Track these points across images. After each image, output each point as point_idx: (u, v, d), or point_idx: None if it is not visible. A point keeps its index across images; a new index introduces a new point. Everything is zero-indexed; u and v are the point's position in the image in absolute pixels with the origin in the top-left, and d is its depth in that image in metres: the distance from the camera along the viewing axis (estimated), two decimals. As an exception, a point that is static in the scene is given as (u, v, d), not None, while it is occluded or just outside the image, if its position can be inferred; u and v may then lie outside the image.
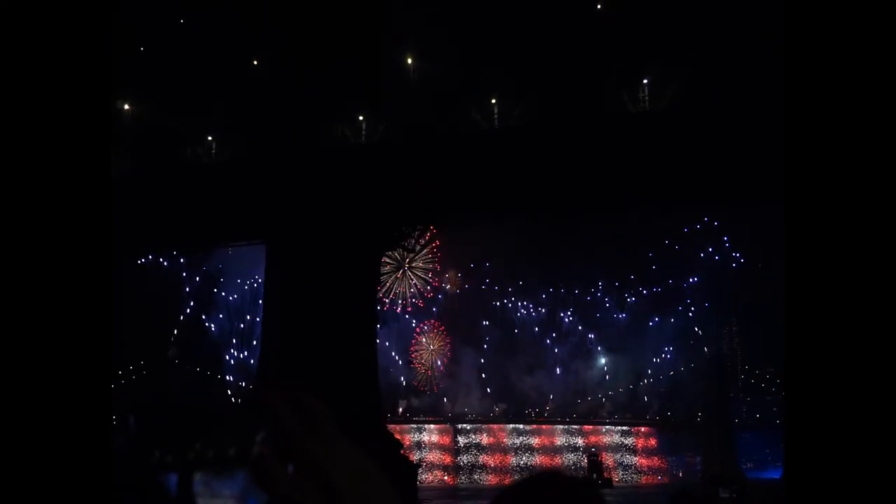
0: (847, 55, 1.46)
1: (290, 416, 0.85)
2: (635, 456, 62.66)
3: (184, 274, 66.66)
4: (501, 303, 71.26)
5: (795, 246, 1.47)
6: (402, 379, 67.32)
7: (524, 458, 61.51)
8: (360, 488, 0.85)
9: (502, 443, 62.21)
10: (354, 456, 0.87)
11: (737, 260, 67.11)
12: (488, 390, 66.87)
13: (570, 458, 60.89)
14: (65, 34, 1.89)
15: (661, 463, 62.35)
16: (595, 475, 52.96)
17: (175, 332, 66.10)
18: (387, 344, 64.67)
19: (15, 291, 1.89)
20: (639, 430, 63.44)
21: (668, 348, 66.32)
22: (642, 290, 69.48)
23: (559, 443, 62.48)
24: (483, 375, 67.47)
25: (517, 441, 62.38)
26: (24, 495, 1.78)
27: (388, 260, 65.68)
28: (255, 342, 58.47)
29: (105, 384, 1.92)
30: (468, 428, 62.79)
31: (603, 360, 68.45)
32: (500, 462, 61.57)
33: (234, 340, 66.74)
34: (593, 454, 57.99)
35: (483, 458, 62.00)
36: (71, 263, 1.97)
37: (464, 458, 61.91)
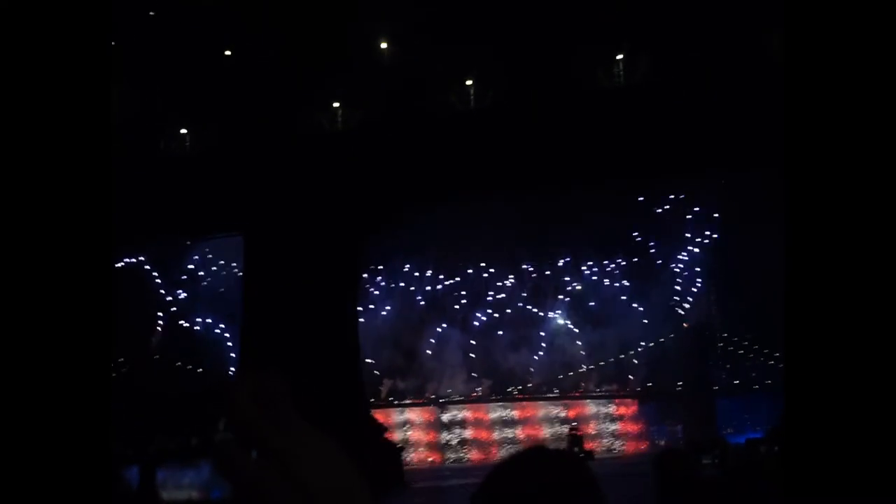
0: (846, 42, 1.48)
1: (247, 402, 0.84)
2: (617, 427, 63.40)
3: (164, 266, 65.98)
4: (482, 279, 71.39)
5: (796, 225, 1.50)
6: (386, 363, 67.31)
7: (508, 435, 62.01)
8: (322, 472, 0.84)
9: (486, 421, 62.65)
10: (316, 440, 0.86)
11: (713, 229, 67.80)
12: (473, 372, 67.10)
13: (552, 432, 61.44)
14: (64, 28, 1.88)
15: (643, 433, 63.15)
16: (576, 448, 53.51)
17: (156, 326, 65.54)
18: (371, 328, 64.66)
19: (14, 287, 1.89)
20: (620, 402, 64.15)
21: (648, 320, 66.94)
22: (621, 263, 70.03)
23: (541, 418, 63.00)
24: (467, 354, 67.65)
25: (501, 418, 62.83)
26: (20, 495, 1.78)
27: None
28: (237, 332, 58.07)
29: (104, 380, 1.92)
30: (452, 408, 63.08)
31: (583, 334, 68.97)
32: (484, 440, 62.05)
33: (219, 332, 66.27)
34: (574, 428, 58.56)
35: (467, 437, 62.44)
36: (70, 259, 1.96)
37: (448, 438, 62.29)
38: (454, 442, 62.14)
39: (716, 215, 67.30)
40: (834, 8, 1.48)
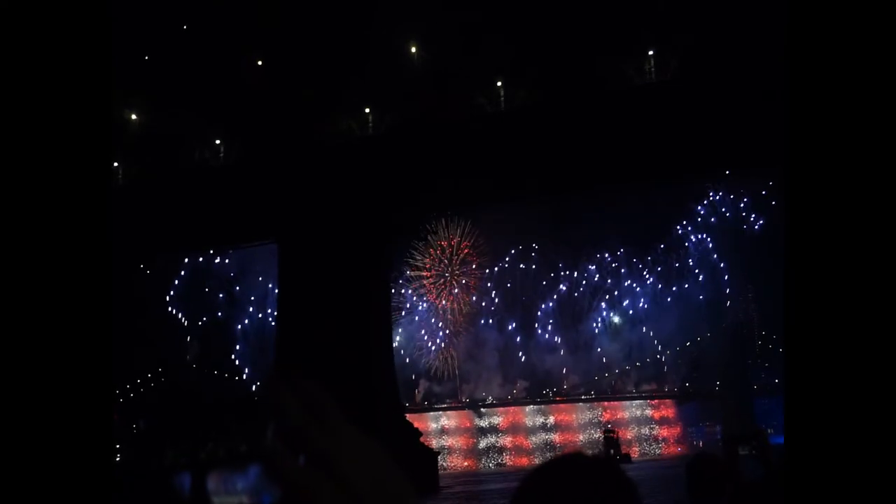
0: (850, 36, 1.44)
1: (296, 407, 0.86)
2: (654, 429, 62.77)
3: (200, 276, 66.92)
4: (518, 279, 71.19)
5: (797, 225, 1.47)
6: (422, 366, 67.43)
7: (543, 438, 61.69)
8: (369, 476, 0.86)
9: (521, 425, 62.41)
10: (362, 444, 0.88)
11: (749, 226, 66.96)
12: (508, 374, 66.89)
13: (588, 435, 61.00)
14: (65, 38, 1.90)
15: (681, 434, 62.44)
16: (612, 451, 53.03)
17: (193, 334, 66.50)
18: (407, 330, 64.94)
19: (15, 297, 1.91)
20: (658, 403, 63.52)
21: (686, 319, 66.25)
22: (658, 261, 69.45)
23: (577, 421, 62.56)
24: (502, 357, 67.51)
25: (535, 421, 62.55)
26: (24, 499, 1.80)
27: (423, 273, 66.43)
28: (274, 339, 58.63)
29: (106, 391, 1.93)
30: (487, 412, 62.87)
31: (620, 334, 68.47)
32: (519, 444, 61.79)
33: (253, 339, 67.02)
34: (610, 430, 58.04)
35: (502, 440, 62.24)
36: (72, 268, 1.98)
37: (483, 441, 62.13)
38: (488, 445, 61.93)
39: (754, 211, 66.48)
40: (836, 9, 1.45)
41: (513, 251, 69.84)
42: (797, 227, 1.59)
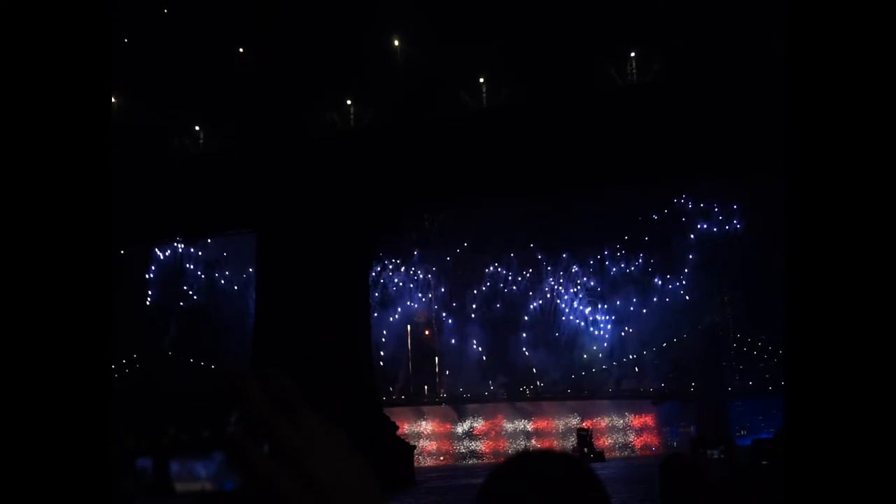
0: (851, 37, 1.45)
1: (261, 396, 0.86)
2: (629, 428, 63.29)
3: (178, 262, 66.32)
4: (503, 279, 71.31)
5: (796, 223, 1.48)
6: (401, 361, 67.41)
7: (519, 435, 61.95)
8: (332, 467, 0.86)
9: (499, 419, 62.67)
10: (330, 435, 0.88)
11: (726, 230, 67.58)
12: (487, 370, 67.08)
13: (563, 433, 61.39)
14: (64, 27, 1.88)
15: (655, 434, 63.00)
16: (586, 449, 53.50)
17: (170, 322, 65.92)
18: (385, 325, 64.84)
19: (13, 288, 1.89)
20: (633, 403, 64.04)
21: (662, 321, 66.80)
22: (637, 261, 69.89)
23: (553, 419, 62.94)
24: (482, 353, 67.67)
25: (513, 419, 62.85)
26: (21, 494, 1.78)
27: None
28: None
29: (105, 382, 1.92)
30: (467, 410, 63.03)
31: (598, 333, 68.89)
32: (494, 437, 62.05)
33: (233, 326, 66.51)
34: (583, 429, 58.51)
35: (478, 432, 62.48)
36: (71, 257, 1.96)
37: (461, 437, 62.31)
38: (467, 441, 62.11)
39: (729, 215, 67.10)
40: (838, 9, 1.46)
41: (496, 247, 69.84)
42: (797, 228, 1.60)
